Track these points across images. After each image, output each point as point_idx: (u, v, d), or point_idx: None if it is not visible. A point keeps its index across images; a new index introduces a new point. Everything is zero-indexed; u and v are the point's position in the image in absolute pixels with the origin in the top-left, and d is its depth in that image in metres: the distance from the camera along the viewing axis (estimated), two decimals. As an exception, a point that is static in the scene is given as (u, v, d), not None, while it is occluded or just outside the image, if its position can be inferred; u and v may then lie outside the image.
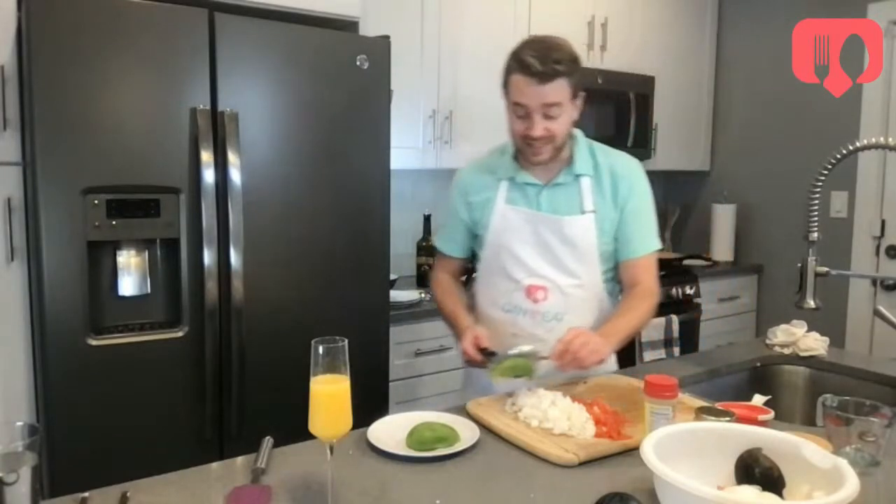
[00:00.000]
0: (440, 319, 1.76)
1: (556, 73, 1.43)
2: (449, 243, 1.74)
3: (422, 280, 2.80)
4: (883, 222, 3.11)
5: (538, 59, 1.43)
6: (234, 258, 1.88)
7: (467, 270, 1.81)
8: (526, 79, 1.44)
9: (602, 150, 1.62)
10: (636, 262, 1.59)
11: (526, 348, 1.43)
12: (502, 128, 1.58)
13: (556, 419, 1.24)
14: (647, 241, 1.61)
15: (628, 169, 1.60)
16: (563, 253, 1.56)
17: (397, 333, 2.34)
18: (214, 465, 1.16)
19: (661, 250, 1.66)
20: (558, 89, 1.45)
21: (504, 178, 1.61)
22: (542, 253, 1.57)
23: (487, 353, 1.47)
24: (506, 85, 1.51)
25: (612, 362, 1.69)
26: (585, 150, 1.59)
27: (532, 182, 1.58)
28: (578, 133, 1.61)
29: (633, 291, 1.59)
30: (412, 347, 2.45)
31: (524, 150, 1.54)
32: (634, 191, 1.58)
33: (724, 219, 3.58)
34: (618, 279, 1.64)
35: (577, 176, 1.57)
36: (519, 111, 1.49)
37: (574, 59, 1.48)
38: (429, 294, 2.23)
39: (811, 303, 1.61)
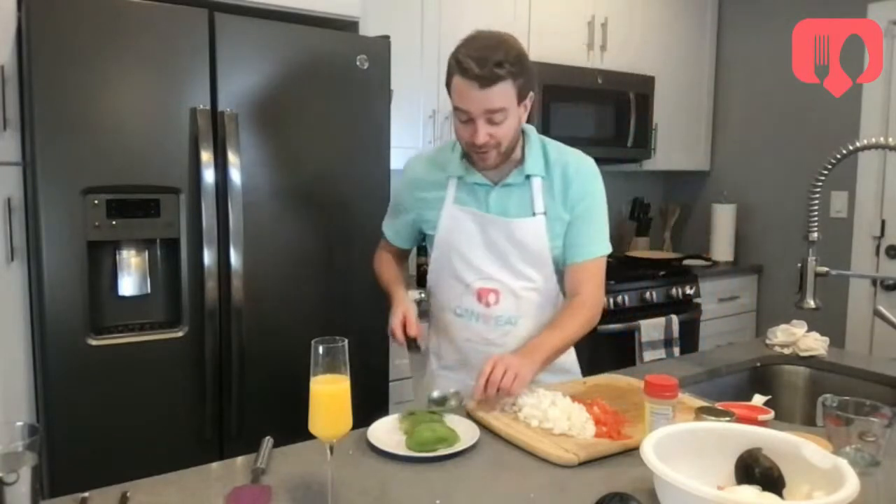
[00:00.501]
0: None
1: (498, 77, 1.32)
2: (394, 233, 1.70)
3: (422, 280, 2.79)
4: (883, 222, 3.11)
5: (477, 62, 1.31)
6: (234, 258, 1.88)
7: (407, 257, 1.81)
8: (466, 82, 1.33)
9: (555, 147, 1.52)
10: (580, 266, 1.49)
11: (451, 389, 1.41)
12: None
13: (556, 419, 1.24)
14: (593, 246, 1.51)
15: (581, 169, 1.50)
16: (514, 255, 1.49)
17: (397, 333, 2.34)
18: (214, 465, 1.16)
19: (612, 255, 1.54)
20: (502, 94, 1.34)
21: (453, 176, 1.53)
22: (493, 255, 1.50)
23: (412, 342, 1.47)
24: (448, 86, 1.41)
25: (571, 361, 1.64)
26: (538, 148, 1.50)
27: (481, 182, 1.50)
28: (531, 129, 1.53)
29: (570, 303, 1.50)
30: (412, 347, 2.44)
31: (471, 155, 1.46)
32: (586, 192, 1.49)
33: (724, 219, 3.58)
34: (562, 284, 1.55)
35: (529, 176, 1.48)
36: (462, 116, 1.39)
37: (519, 60, 1.36)
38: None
39: (811, 303, 1.61)
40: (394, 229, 1.70)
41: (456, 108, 1.40)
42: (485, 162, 1.44)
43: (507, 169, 1.50)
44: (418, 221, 1.61)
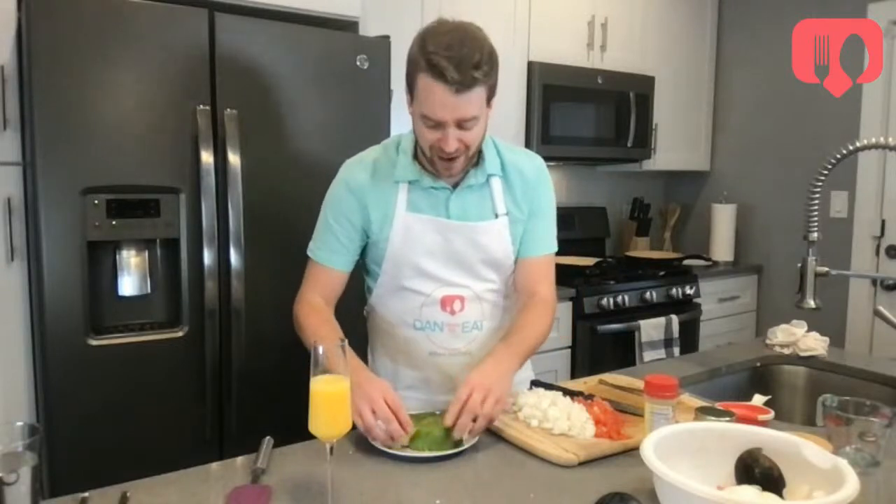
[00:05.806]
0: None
1: (475, 81, 1.22)
2: (332, 253, 1.45)
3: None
4: (883, 222, 3.11)
5: (455, 65, 1.20)
6: (234, 258, 1.88)
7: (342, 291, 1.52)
8: (440, 86, 1.22)
9: (506, 148, 1.48)
10: (536, 261, 1.47)
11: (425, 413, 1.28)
12: (501, 128, 1.50)
13: (555, 419, 1.24)
14: (550, 240, 1.49)
15: (536, 169, 1.48)
16: (476, 259, 1.42)
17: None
18: (214, 465, 1.16)
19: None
20: (476, 100, 1.25)
21: (403, 182, 1.40)
22: (455, 261, 1.41)
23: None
24: (411, 83, 1.29)
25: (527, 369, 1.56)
26: (492, 147, 1.44)
27: (439, 186, 1.39)
28: None
29: (535, 301, 1.45)
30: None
31: (434, 164, 1.35)
32: (545, 190, 1.48)
33: (724, 219, 3.58)
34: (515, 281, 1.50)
35: (489, 176, 1.42)
36: (429, 122, 1.28)
37: (491, 58, 1.26)
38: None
39: (811, 303, 1.61)
40: (336, 253, 1.45)
41: (423, 116, 1.28)
42: (450, 171, 1.36)
43: (465, 167, 1.40)
44: (367, 234, 1.45)
